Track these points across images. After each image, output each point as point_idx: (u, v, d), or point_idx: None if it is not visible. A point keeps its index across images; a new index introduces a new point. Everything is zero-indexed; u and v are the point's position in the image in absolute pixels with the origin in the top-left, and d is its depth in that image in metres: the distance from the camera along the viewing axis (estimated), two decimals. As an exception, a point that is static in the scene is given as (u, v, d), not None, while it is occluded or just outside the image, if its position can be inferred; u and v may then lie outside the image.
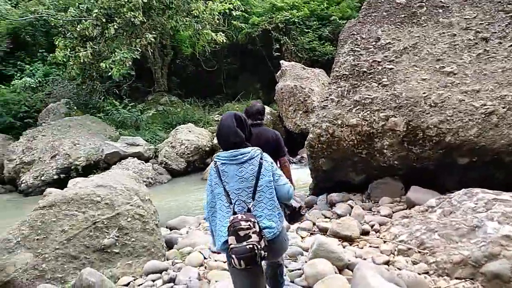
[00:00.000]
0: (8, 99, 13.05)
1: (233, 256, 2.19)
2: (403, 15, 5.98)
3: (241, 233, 2.20)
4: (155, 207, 4.82)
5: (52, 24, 14.07)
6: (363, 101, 5.57)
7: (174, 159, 10.90)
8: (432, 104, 5.16)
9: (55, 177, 10.15)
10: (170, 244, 4.69)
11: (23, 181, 10.22)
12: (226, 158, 2.43)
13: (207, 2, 13.23)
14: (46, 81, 14.85)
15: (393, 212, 5.08)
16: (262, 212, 2.36)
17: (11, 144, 11.57)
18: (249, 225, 2.22)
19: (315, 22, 15.76)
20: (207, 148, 11.46)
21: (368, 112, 5.49)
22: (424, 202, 4.70)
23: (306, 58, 15.08)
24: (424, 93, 5.25)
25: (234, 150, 2.43)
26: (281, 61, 13.16)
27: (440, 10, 5.77)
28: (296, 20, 15.47)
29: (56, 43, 12.27)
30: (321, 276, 3.29)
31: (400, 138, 5.34)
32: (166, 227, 5.55)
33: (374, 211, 5.28)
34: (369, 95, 5.56)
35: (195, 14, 12.77)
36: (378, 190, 5.73)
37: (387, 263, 3.74)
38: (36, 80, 14.41)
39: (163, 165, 10.92)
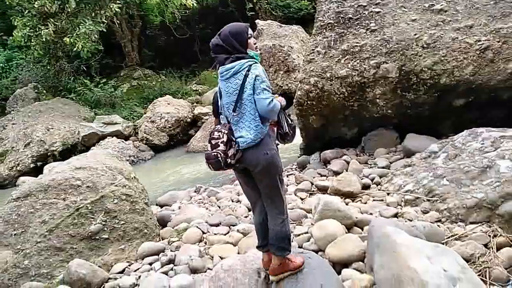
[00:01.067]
0: (-31, 90, 12.22)
1: (205, 160, 2.42)
2: (385, -47, 5.55)
3: (213, 142, 2.39)
4: (142, 185, 4.49)
5: (7, 3, 12.98)
6: (351, 49, 5.23)
7: (155, 134, 10.45)
8: (425, 45, 4.87)
9: (32, 165, 9.58)
10: (163, 223, 4.38)
11: (-2, 174, 9.63)
12: (219, 76, 2.51)
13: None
14: (10, 67, 13.87)
15: (391, 163, 4.89)
16: (244, 124, 2.43)
17: (-21, 136, 10.86)
18: (219, 135, 2.39)
19: (287, -23, 15.08)
20: (189, 119, 11.03)
21: (358, 61, 5.18)
22: (422, 149, 4.48)
23: (281, 15, 14.54)
24: (415, 34, 4.94)
25: (222, 66, 2.46)
26: (256, 21, 12.53)
27: None
28: (267, -24, 14.77)
29: (15, 24, 11.33)
30: (332, 238, 3.06)
31: (393, 85, 5.07)
32: (156, 205, 5.24)
33: (371, 164, 5.08)
34: (357, 42, 5.22)
35: (161, -22, 11.95)
36: (372, 142, 5.52)
37: (395, 215, 3.55)
38: (-2, 67, 13.50)
39: (144, 141, 10.44)
